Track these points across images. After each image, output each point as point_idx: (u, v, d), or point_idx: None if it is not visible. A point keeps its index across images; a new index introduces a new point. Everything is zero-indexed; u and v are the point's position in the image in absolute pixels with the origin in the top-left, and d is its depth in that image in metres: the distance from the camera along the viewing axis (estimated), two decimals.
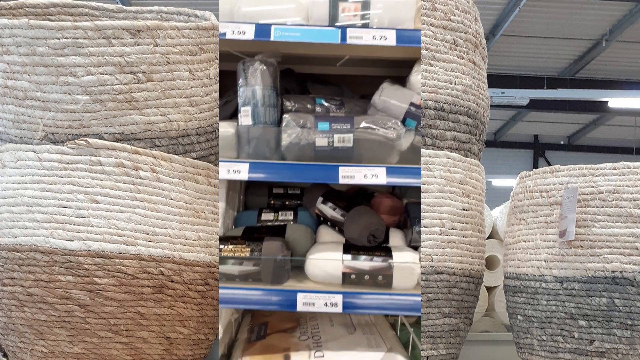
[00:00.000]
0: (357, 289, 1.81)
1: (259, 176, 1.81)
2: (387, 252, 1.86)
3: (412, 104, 2.06)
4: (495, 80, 12.18)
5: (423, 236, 2.10)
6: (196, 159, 2.04)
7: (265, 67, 1.98)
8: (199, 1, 9.77)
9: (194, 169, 2.00)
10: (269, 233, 1.95)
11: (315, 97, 2.12)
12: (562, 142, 19.09)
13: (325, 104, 2.07)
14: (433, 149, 2.20)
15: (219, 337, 1.79)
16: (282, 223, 2.10)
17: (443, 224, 2.14)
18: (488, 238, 3.60)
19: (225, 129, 1.96)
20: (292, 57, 2.23)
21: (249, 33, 1.88)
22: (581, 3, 10.68)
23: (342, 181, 1.81)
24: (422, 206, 2.10)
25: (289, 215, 2.13)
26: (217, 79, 2.09)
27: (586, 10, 10.91)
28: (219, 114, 2.13)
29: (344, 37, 1.90)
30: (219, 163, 1.84)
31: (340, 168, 1.81)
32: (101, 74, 1.87)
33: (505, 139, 18.74)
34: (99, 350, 1.90)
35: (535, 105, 14.12)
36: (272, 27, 1.89)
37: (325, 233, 2.07)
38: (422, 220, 2.09)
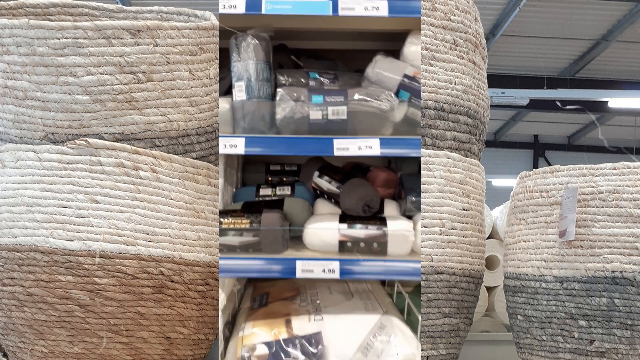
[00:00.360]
0: (354, 256, 1.86)
1: (255, 150, 1.84)
2: (381, 221, 1.91)
3: (405, 76, 2.05)
4: (495, 80, 12.16)
5: (423, 236, 2.10)
6: (196, 159, 2.04)
7: (257, 41, 1.99)
8: (199, 1, 9.77)
9: (194, 169, 2.00)
10: (267, 206, 1.99)
11: (308, 71, 2.13)
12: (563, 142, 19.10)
13: (319, 77, 2.09)
14: (433, 149, 2.20)
15: (223, 304, 1.84)
16: (280, 197, 2.14)
17: (443, 224, 2.14)
18: (488, 238, 3.60)
19: (221, 104, 1.98)
20: (285, 32, 2.23)
21: (240, 7, 1.89)
22: (581, 3, 10.68)
23: (336, 153, 1.83)
24: (422, 206, 2.10)
25: (287, 190, 2.17)
26: (217, 79, 2.09)
27: (586, 10, 10.90)
28: None
29: (335, 8, 1.90)
30: None
31: (334, 140, 1.84)
32: (101, 74, 1.87)
33: (505, 139, 18.73)
34: (99, 350, 1.90)
35: (535, 105, 14.11)
36: (263, 0, 1.90)
37: (322, 205, 2.11)
38: (422, 220, 2.09)
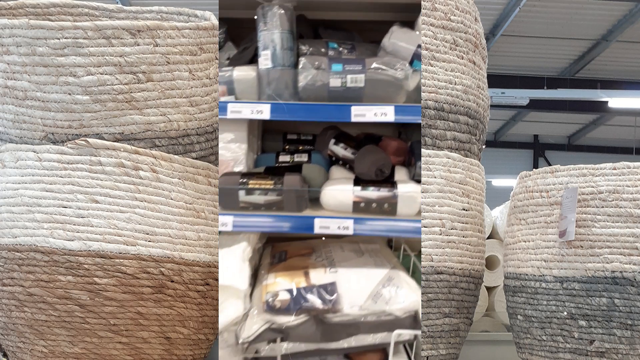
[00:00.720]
0: (366, 215, 1.99)
1: (279, 116, 1.97)
2: (392, 184, 2.04)
3: (419, 46, 2.14)
4: (495, 80, 12.17)
5: (423, 236, 2.11)
6: (196, 159, 2.04)
7: (283, 11, 2.07)
8: (199, 1, 9.77)
9: (194, 169, 2.01)
10: (288, 170, 2.14)
11: (328, 41, 2.22)
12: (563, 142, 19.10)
13: (338, 47, 2.19)
14: (433, 149, 2.20)
15: (249, 256, 1.98)
16: (298, 163, 2.29)
17: (443, 224, 2.14)
18: (488, 238, 3.60)
19: (247, 72, 2.09)
20: (305, 3, 2.30)
21: None
22: (581, 3, 10.68)
23: (354, 119, 1.94)
24: (422, 206, 2.11)
25: (304, 157, 2.31)
26: (217, 78, 2.09)
27: (586, 10, 10.90)
28: (238, 60, 2.24)
29: None
30: (243, 104, 1.99)
31: (352, 107, 1.95)
32: (101, 74, 1.87)
33: (505, 139, 18.73)
34: (99, 350, 1.90)
35: (535, 105, 14.11)
36: None
37: (337, 171, 2.24)
38: (422, 220, 2.10)
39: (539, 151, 19.14)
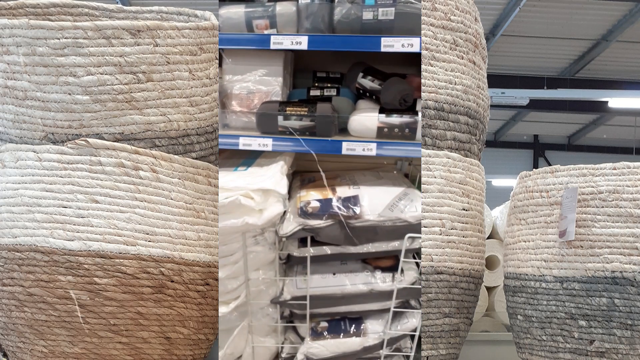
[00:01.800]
0: (388, 140, 2.19)
1: (316, 47, 2.15)
2: (414, 112, 2.21)
3: None
4: (495, 80, 12.16)
5: (423, 236, 2.11)
6: (196, 159, 2.04)
7: None
8: (199, 1, 9.77)
9: (194, 169, 2.01)
10: (319, 101, 2.36)
11: None
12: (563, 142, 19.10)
13: None
14: (433, 149, 2.20)
15: (286, 173, 2.17)
16: (328, 97, 2.48)
17: (443, 224, 2.14)
18: (488, 238, 3.59)
19: (288, 7, 2.26)
20: None
21: None
22: (581, 3, 10.68)
23: (383, 49, 2.09)
24: (422, 206, 2.11)
25: (333, 92, 2.50)
26: (217, 78, 2.09)
27: (586, 10, 10.90)
28: None
29: None
30: (284, 36, 2.17)
31: (382, 39, 2.10)
32: (101, 74, 1.87)
33: (505, 139, 18.73)
34: (99, 350, 1.90)
35: (535, 105, 14.11)
36: None
37: (363, 103, 2.40)
38: (422, 220, 2.11)
39: (539, 151, 19.14)
